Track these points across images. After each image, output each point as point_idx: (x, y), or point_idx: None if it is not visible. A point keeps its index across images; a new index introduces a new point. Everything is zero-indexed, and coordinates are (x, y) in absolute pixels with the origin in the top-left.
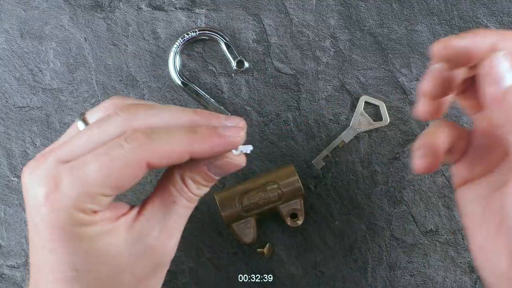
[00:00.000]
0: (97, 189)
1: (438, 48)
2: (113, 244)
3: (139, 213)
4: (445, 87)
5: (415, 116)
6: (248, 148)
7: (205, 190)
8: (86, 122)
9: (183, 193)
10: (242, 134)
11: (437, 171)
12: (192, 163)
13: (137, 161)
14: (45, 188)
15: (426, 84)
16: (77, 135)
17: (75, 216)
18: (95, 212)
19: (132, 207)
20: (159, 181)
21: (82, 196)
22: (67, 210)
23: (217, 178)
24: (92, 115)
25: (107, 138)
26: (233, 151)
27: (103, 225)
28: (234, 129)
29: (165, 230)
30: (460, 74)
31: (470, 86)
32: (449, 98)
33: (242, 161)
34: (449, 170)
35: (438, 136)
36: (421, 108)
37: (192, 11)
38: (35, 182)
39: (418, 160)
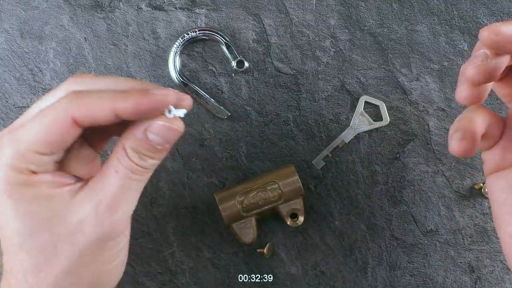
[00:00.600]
0: (29, 146)
1: (487, 33)
2: (53, 210)
3: (84, 183)
4: (490, 73)
5: (457, 99)
6: (181, 112)
7: (150, 161)
8: None
9: (124, 162)
10: (170, 94)
11: (437, 171)
12: (130, 131)
13: (63, 117)
14: None
15: (471, 70)
16: (31, 107)
17: (12, 176)
18: (34, 172)
19: (78, 178)
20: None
21: (17, 154)
22: (4, 168)
23: (159, 147)
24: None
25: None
26: (166, 114)
27: (43, 188)
28: (163, 89)
29: (107, 201)
30: (505, 61)
31: (510, 73)
32: (490, 85)
33: (178, 126)
34: (480, 156)
35: (475, 120)
36: (464, 93)
37: (192, 11)
38: None
39: (456, 143)
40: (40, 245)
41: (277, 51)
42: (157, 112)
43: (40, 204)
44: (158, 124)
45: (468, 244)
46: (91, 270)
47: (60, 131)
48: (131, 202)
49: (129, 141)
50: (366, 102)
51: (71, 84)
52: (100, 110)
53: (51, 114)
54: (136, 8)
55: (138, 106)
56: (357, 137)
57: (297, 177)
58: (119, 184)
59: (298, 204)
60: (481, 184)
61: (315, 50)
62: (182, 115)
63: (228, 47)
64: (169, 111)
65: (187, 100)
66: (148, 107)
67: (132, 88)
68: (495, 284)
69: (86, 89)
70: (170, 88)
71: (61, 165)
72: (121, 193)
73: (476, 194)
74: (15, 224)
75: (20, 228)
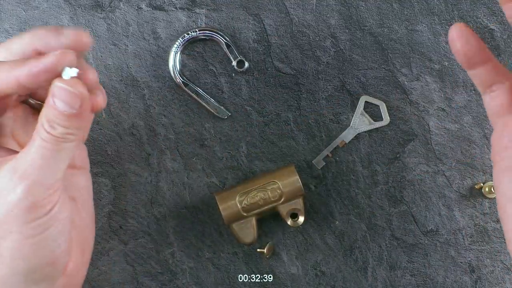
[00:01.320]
0: None
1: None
2: None
3: (7, 155)
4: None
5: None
6: (74, 71)
7: (60, 129)
8: None
9: (39, 132)
10: (62, 53)
11: (437, 171)
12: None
13: None
14: None
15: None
16: None
17: None
18: None
19: (8, 150)
20: None
21: None
22: None
23: (65, 112)
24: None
25: None
26: (63, 76)
27: None
28: (58, 53)
29: (20, 169)
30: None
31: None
32: None
33: (77, 88)
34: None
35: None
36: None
37: (192, 11)
38: None
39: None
40: None
41: (277, 51)
42: (53, 75)
43: None
44: (56, 86)
45: (468, 244)
46: (38, 252)
47: None
48: (50, 172)
49: (44, 109)
50: (366, 102)
51: None
52: (3, 82)
53: None
54: (136, 8)
55: (32, 71)
56: (357, 137)
57: (297, 177)
58: (35, 153)
59: (298, 204)
60: (481, 184)
61: (315, 50)
62: (75, 74)
63: (228, 47)
64: (65, 73)
65: (85, 37)
66: (42, 71)
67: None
68: (496, 284)
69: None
70: (67, 50)
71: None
72: (36, 162)
73: (476, 194)
74: None
75: None
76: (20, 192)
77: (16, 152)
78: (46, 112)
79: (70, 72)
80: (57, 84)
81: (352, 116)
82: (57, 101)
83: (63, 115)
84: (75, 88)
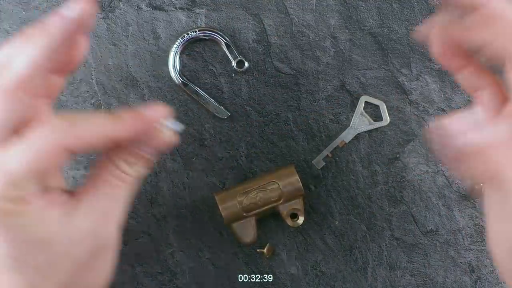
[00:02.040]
0: (19, 176)
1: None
2: (49, 232)
3: (74, 199)
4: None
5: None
6: (177, 126)
7: (140, 169)
8: None
9: (115, 174)
10: (160, 109)
11: (437, 171)
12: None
13: (56, 148)
14: None
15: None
16: None
17: (4, 207)
18: (25, 200)
19: (68, 193)
20: (94, 167)
21: (6, 185)
22: None
23: (149, 156)
24: None
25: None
26: (162, 128)
27: (36, 213)
28: (156, 108)
29: (99, 213)
30: None
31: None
32: None
33: (171, 138)
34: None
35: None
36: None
37: (192, 11)
38: None
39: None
40: (36, 264)
41: (277, 51)
42: (151, 129)
43: (33, 230)
44: (153, 140)
45: (468, 244)
46: (86, 280)
47: (52, 160)
48: (122, 211)
49: (119, 152)
50: (366, 102)
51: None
52: (95, 138)
53: (41, 142)
54: (136, 8)
55: (133, 128)
56: (357, 137)
57: (297, 177)
58: (111, 195)
59: (298, 204)
60: (482, 184)
61: (315, 50)
62: (178, 129)
63: (228, 47)
64: (164, 125)
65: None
66: (143, 127)
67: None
68: (495, 284)
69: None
70: (159, 104)
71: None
72: (114, 203)
73: (476, 194)
74: (4, 249)
75: (11, 252)
76: (104, 237)
77: (66, 190)
78: (125, 156)
79: (171, 125)
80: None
81: (352, 116)
82: (143, 147)
83: (145, 156)
84: (170, 138)
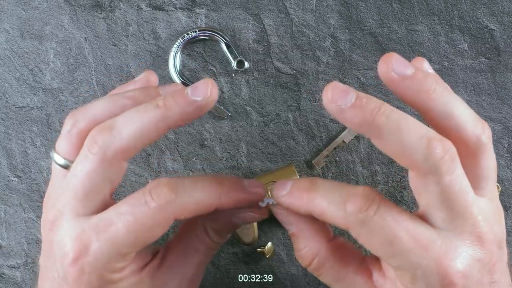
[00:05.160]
0: (126, 249)
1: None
2: None
3: (161, 261)
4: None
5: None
6: (271, 200)
7: (226, 238)
8: (60, 155)
9: (205, 242)
10: (261, 190)
11: None
12: (215, 213)
13: (165, 218)
14: (74, 250)
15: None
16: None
17: (105, 277)
18: (123, 268)
19: (154, 254)
20: (180, 227)
21: (113, 258)
22: (98, 272)
23: (237, 228)
24: (60, 144)
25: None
26: (259, 203)
27: (129, 279)
28: (257, 185)
29: (187, 278)
30: None
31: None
32: None
33: (264, 214)
34: None
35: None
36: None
37: (192, 11)
38: (60, 239)
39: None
40: None
41: (277, 51)
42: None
43: None
44: (249, 214)
45: None
46: None
47: (161, 231)
48: (203, 273)
49: (213, 222)
50: None
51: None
52: (204, 207)
53: (149, 216)
54: (136, 8)
55: (239, 202)
56: (357, 137)
57: (297, 177)
58: (199, 262)
59: None
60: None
61: (315, 50)
62: (271, 203)
63: (228, 47)
64: (262, 201)
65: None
66: (249, 203)
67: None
68: None
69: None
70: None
71: None
72: (199, 269)
73: None
74: None
75: None
76: None
77: (151, 250)
78: (217, 226)
79: (267, 200)
80: (251, 214)
81: None
82: (236, 219)
83: (234, 227)
84: (265, 214)
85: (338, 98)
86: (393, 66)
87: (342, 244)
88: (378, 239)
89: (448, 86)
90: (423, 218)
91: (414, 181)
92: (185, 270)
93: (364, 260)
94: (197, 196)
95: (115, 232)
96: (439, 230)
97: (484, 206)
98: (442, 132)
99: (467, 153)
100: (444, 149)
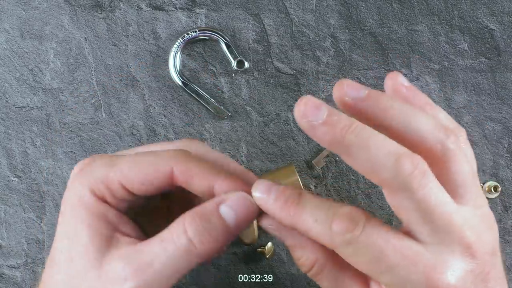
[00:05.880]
0: (120, 174)
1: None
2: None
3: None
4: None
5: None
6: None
7: (207, 245)
8: None
9: (177, 235)
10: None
11: None
12: (198, 206)
13: (164, 166)
14: (79, 165)
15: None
16: (139, 147)
17: (90, 200)
18: (105, 202)
19: (139, 235)
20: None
21: (106, 177)
22: (84, 189)
23: (228, 226)
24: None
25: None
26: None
27: (125, 240)
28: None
29: (138, 264)
30: None
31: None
32: None
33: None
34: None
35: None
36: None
37: (192, 11)
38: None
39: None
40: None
41: (277, 51)
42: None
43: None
44: (237, 197)
45: None
46: None
47: (155, 176)
48: (164, 280)
49: (195, 214)
50: None
51: (184, 144)
52: (199, 178)
53: (153, 157)
54: (136, 8)
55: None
56: None
57: (297, 177)
58: (158, 255)
59: None
60: (481, 184)
61: (315, 50)
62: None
63: (228, 47)
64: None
65: None
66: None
67: (234, 170)
68: None
69: (197, 155)
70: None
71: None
72: (155, 265)
73: None
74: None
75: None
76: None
77: (136, 238)
78: (199, 221)
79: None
80: (241, 194)
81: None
82: (226, 209)
83: (224, 228)
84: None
85: (310, 114)
86: (346, 91)
87: None
88: (365, 258)
89: (407, 103)
90: (409, 234)
91: (388, 198)
92: (142, 255)
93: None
94: (201, 164)
95: (120, 157)
96: (426, 244)
97: (468, 215)
98: (408, 147)
99: (436, 162)
100: (413, 164)
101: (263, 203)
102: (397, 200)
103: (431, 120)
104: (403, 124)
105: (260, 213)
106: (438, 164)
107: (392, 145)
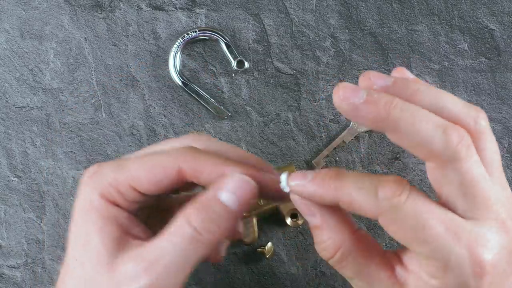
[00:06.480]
0: (128, 177)
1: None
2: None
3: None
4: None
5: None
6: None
7: (212, 229)
8: None
9: (180, 225)
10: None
11: None
12: (198, 196)
13: (171, 163)
14: (89, 171)
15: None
16: (144, 148)
17: (106, 194)
18: (116, 205)
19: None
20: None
21: (115, 180)
22: (94, 192)
23: (229, 209)
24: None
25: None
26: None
27: (133, 238)
28: (271, 174)
29: (147, 262)
30: None
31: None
32: None
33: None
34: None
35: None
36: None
37: (192, 11)
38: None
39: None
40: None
41: (277, 51)
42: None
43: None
44: (234, 179)
45: None
46: None
47: (164, 175)
48: (176, 272)
49: (197, 203)
50: None
51: (190, 140)
52: (208, 171)
53: (161, 157)
54: (136, 8)
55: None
56: (357, 137)
57: None
58: (167, 248)
59: None
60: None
61: (315, 50)
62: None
63: (228, 47)
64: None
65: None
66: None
67: (243, 158)
68: None
69: (203, 148)
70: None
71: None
72: (166, 258)
73: None
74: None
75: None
76: (141, 285)
77: (146, 239)
78: (199, 209)
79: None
80: (241, 176)
81: None
82: (225, 195)
83: (224, 212)
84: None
85: (350, 96)
86: (373, 81)
87: (365, 237)
88: (408, 226)
89: (428, 85)
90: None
91: (433, 172)
92: (149, 252)
93: (385, 254)
94: (209, 157)
95: (127, 160)
96: (466, 219)
97: (500, 193)
98: None
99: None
100: (459, 135)
101: (301, 188)
102: (442, 173)
103: (458, 99)
104: (434, 104)
105: (286, 196)
106: (473, 141)
107: (437, 118)
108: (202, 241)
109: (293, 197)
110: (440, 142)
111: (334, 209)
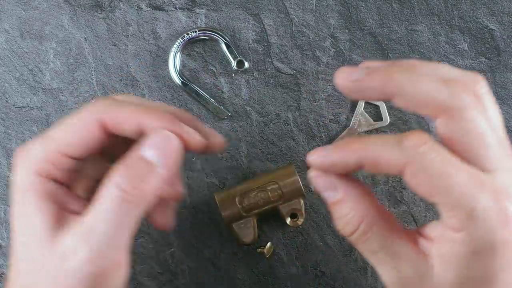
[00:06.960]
0: (56, 144)
1: (313, 160)
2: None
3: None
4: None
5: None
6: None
7: (142, 186)
8: None
9: (109, 189)
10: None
11: None
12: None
13: (91, 118)
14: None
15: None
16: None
17: (40, 172)
18: (54, 180)
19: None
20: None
21: (44, 152)
22: (28, 172)
23: (153, 165)
24: None
25: None
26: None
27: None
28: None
29: (88, 234)
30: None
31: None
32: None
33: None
34: None
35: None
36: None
37: (192, 11)
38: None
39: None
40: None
41: (277, 51)
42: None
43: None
44: (156, 135)
45: None
46: None
47: (86, 131)
48: (120, 235)
49: (120, 165)
50: (366, 102)
51: (100, 104)
52: (127, 118)
53: (79, 115)
54: (136, 8)
55: (163, 125)
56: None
57: (297, 177)
58: (101, 214)
59: (298, 204)
60: None
61: (315, 50)
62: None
63: (228, 47)
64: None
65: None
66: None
67: (164, 109)
68: None
69: (123, 99)
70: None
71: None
72: (101, 226)
73: None
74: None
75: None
76: (82, 257)
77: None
78: (125, 167)
79: None
80: (161, 133)
81: (352, 116)
82: (148, 151)
83: (150, 168)
84: (175, 140)
85: (351, 74)
86: (346, 76)
87: (386, 212)
88: (436, 173)
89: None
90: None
91: (444, 129)
92: (86, 223)
93: (405, 230)
94: (125, 104)
95: (49, 132)
96: (483, 171)
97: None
98: (424, 110)
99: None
100: (463, 84)
101: (322, 159)
102: (453, 125)
103: (455, 68)
104: (408, 92)
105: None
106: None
107: (438, 76)
108: (132, 201)
109: (311, 174)
110: (445, 93)
111: (355, 182)
